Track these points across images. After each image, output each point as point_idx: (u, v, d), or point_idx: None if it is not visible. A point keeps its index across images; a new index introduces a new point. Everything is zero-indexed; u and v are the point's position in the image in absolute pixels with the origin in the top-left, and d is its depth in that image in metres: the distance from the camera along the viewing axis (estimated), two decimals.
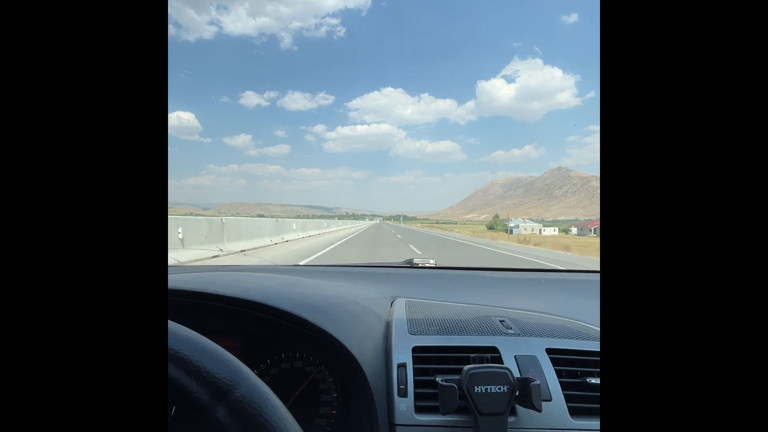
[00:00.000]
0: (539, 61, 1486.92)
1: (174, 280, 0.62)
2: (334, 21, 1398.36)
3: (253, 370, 0.27)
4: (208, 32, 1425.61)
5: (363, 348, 0.57)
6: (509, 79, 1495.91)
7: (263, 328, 0.61)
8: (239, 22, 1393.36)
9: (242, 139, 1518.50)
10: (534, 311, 0.79)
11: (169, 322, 0.28)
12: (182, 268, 0.98)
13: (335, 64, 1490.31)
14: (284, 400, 0.26)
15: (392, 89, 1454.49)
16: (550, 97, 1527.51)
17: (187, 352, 0.26)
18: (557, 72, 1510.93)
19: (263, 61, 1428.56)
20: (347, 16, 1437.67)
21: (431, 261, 1.27)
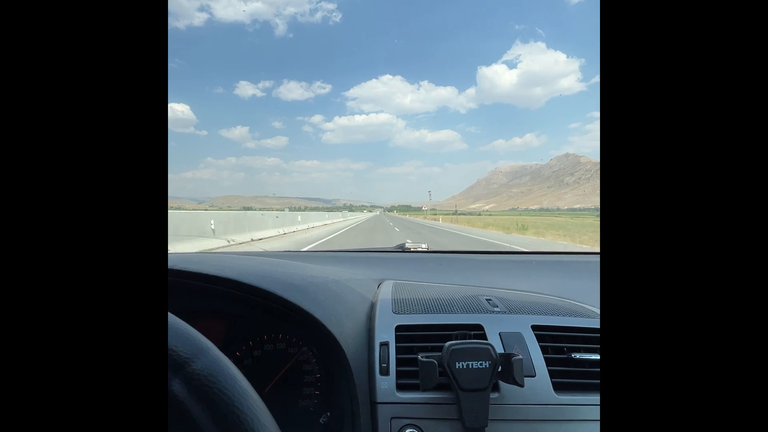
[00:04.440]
0: (542, 45, 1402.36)
1: None
2: (330, 6, 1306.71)
3: (235, 353, 0.26)
4: (199, 19, 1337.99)
5: (343, 327, 0.56)
6: (511, 65, 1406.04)
7: (244, 308, 0.61)
8: (230, 8, 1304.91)
9: (239, 131, 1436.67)
10: (523, 291, 0.79)
11: None
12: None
13: (331, 51, 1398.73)
14: (267, 382, 0.25)
15: (390, 77, 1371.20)
16: (553, 83, 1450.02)
17: None
18: (561, 56, 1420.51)
19: (257, 50, 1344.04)
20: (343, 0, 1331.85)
21: (423, 245, 1.27)
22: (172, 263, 0.58)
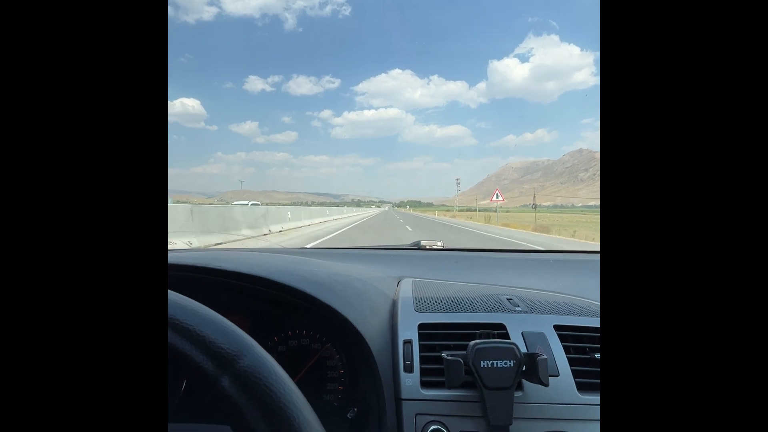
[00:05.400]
0: (555, 38, 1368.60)
1: (180, 257, 0.62)
2: None
3: None
4: (208, 13, 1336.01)
5: (368, 324, 0.57)
6: (523, 58, 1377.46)
7: (269, 305, 0.62)
8: (240, 2, 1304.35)
9: (248, 126, 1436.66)
10: (542, 290, 0.79)
11: (176, 294, 0.28)
12: (190, 250, 0.97)
13: (341, 45, 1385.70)
14: (292, 377, 0.26)
15: (400, 71, 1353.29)
16: (566, 77, 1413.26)
17: (193, 323, 0.27)
18: (575, 49, 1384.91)
19: (266, 44, 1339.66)
20: None
21: (438, 243, 1.27)
22: (202, 260, 0.60)
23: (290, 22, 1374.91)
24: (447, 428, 0.49)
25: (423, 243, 1.27)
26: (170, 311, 0.27)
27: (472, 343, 0.49)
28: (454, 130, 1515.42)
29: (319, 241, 7.59)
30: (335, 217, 18.80)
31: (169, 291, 0.28)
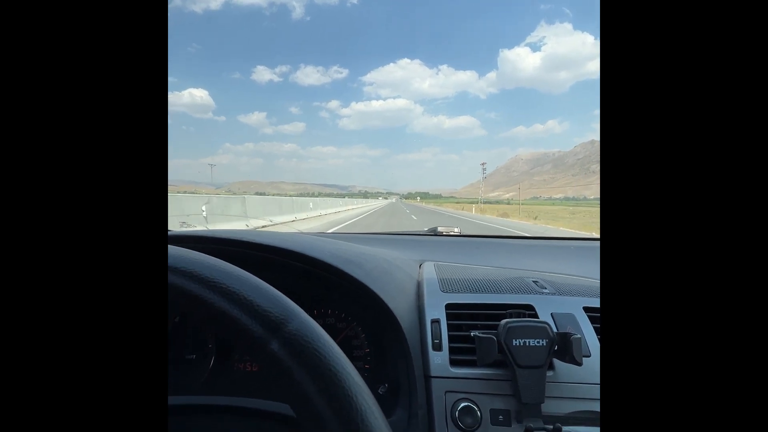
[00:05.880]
0: (569, 26, 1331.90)
1: (214, 232, 0.63)
2: None
3: None
4: (216, 2, 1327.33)
5: (396, 302, 0.57)
6: (534, 47, 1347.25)
7: (297, 280, 0.61)
8: None
9: (256, 117, 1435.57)
10: (567, 274, 0.79)
11: (221, 261, 0.29)
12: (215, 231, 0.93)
13: (348, 34, 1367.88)
14: None
15: (409, 61, 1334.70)
16: (579, 66, 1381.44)
17: (239, 288, 0.27)
18: (588, 38, 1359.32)
19: (274, 34, 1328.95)
20: None
21: (456, 229, 1.28)
22: (235, 235, 0.60)
23: (298, 11, 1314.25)
24: (477, 406, 0.49)
25: (440, 229, 1.28)
26: (217, 276, 0.27)
27: (503, 321, 0.49)
28: (463, 120, 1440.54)
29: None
30: (309, 215, 13.61)
31: (214, 258, 0.29)
